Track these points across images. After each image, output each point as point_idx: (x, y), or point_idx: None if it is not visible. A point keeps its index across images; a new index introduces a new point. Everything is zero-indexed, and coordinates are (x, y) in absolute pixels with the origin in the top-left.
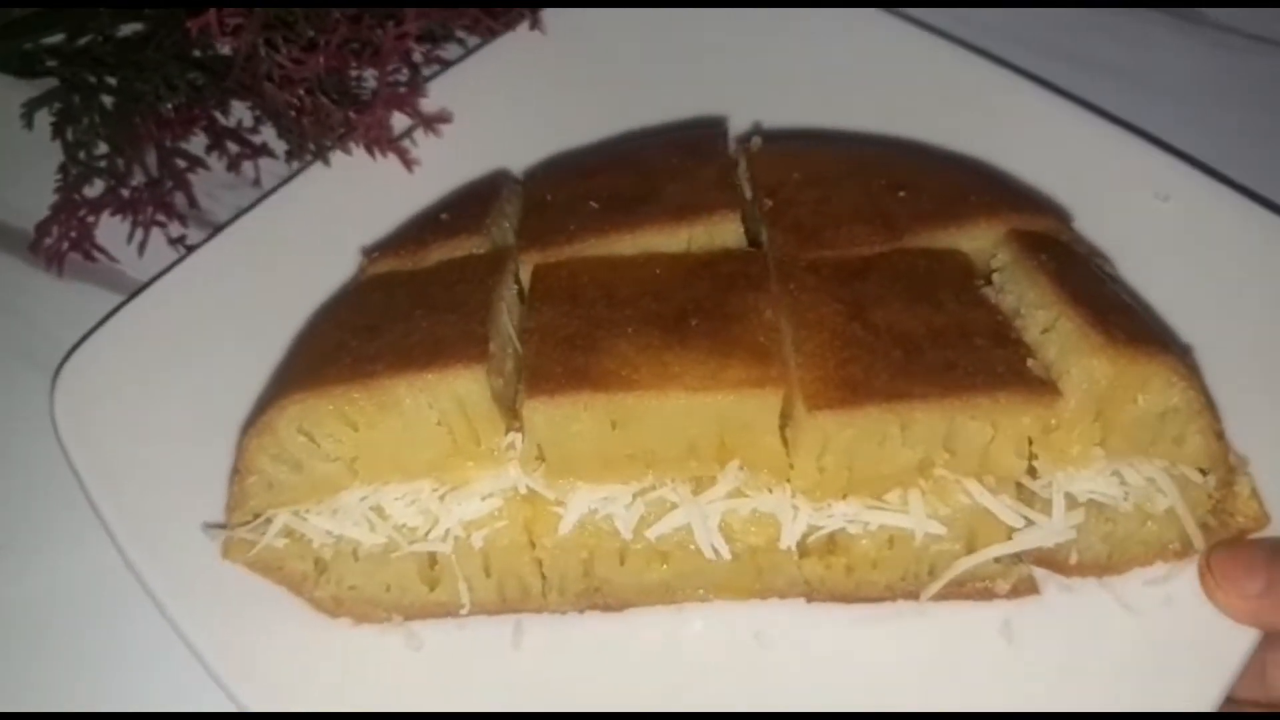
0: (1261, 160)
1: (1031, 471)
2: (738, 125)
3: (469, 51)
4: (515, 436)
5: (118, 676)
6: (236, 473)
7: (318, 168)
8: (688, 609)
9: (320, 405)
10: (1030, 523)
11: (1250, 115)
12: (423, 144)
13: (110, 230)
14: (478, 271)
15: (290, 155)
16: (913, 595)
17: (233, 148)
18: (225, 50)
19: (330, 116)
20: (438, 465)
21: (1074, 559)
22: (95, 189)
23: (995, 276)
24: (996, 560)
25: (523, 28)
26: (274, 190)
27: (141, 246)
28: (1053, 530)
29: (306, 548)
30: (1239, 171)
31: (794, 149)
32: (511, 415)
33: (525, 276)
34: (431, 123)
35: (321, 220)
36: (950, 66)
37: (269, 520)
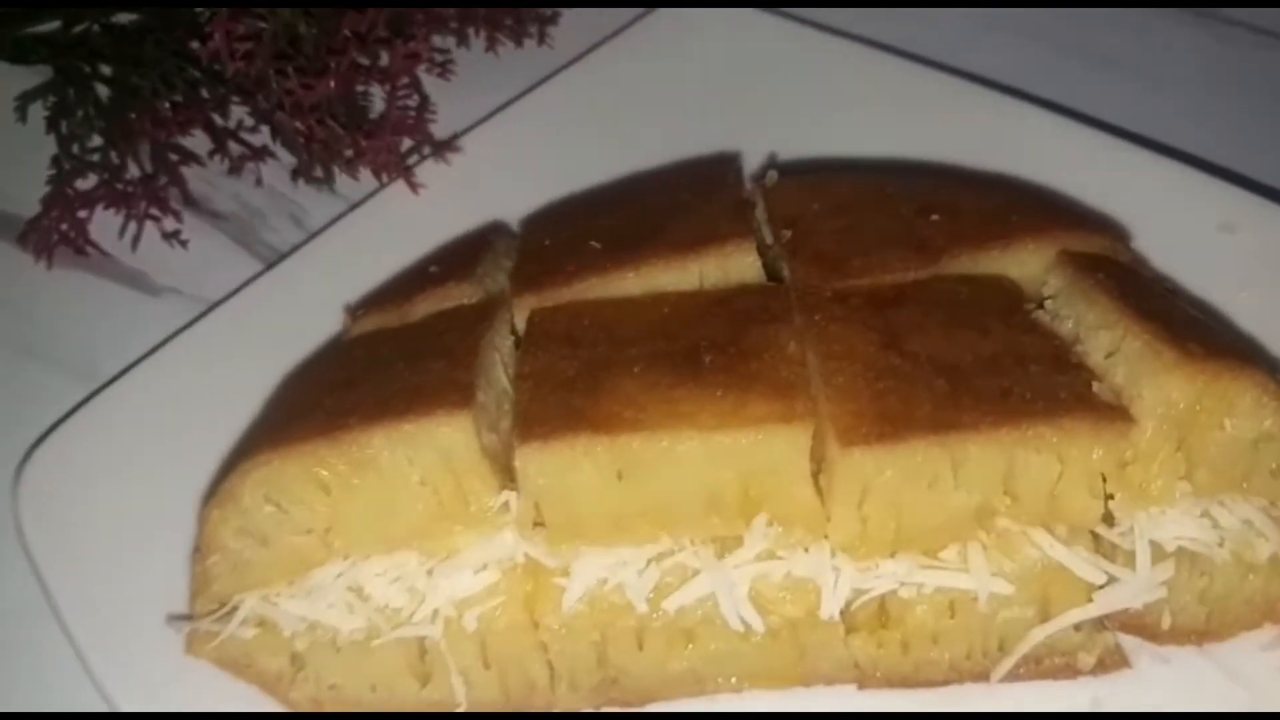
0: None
1: (1108, 518)
2: (751, 163)
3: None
4: (510, 495)
5: None
6: (198, 551)
7: (303, 251)
8: (720, 701)
9: (287, 468)
10: (1112, 578)
11: (1257, 108)
12: (418, 202)
13: (104, 221)
14: (467, 319)
15: (296, 174)
16: (982, 675)
17: (235, 149)
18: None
19: (339, 141)
20: (423, 533)
21: (1167, 623)
22: (89, 181)
23: (1048, 304)
24: (1077, 628)
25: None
26: (256, 277)
27: (135, 240)
28: (1139, 587)
29: (280, 640)
30: (1245, 164)
31: (812, 180)
32: (506, 475)
33: (522, 324)
34: (442, 150)
35: (307, 300)
36: (993, 110)
37: (236, 608)
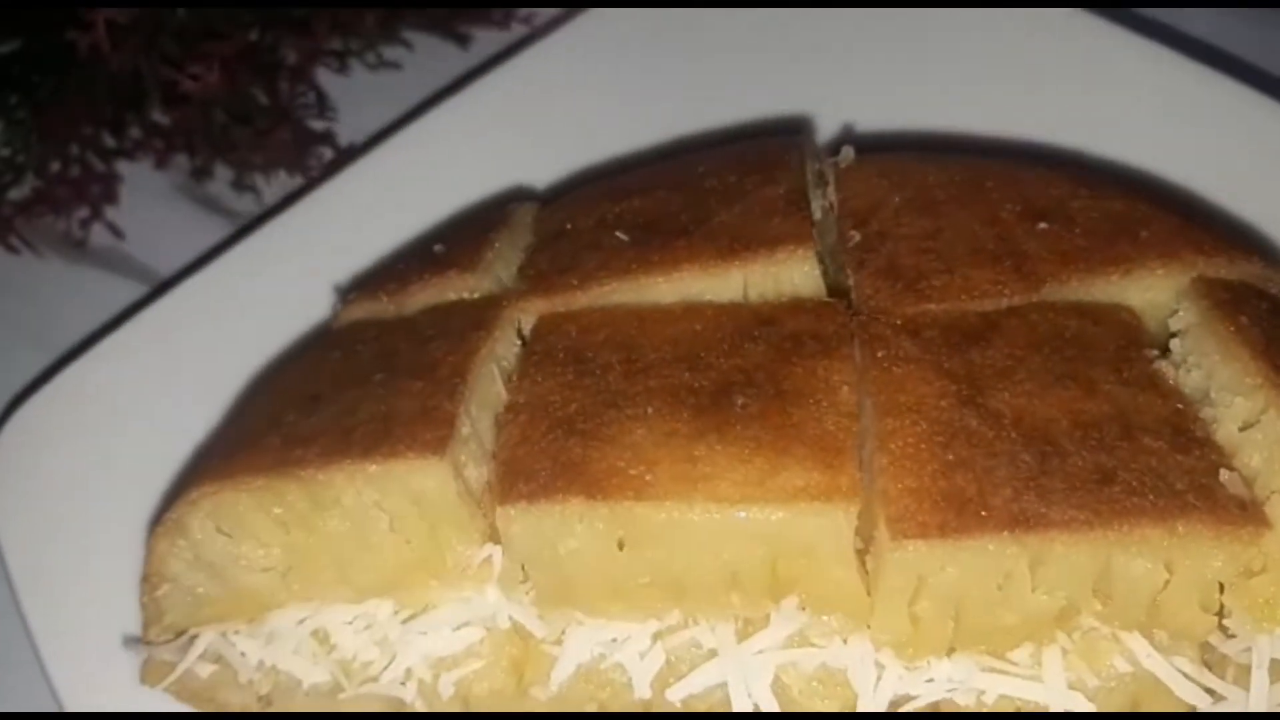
0: None
1: (1221, 629)
2: (825, 130)
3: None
4: (494, 550)
5: None
6: (146, 581)
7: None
8: None
9: (239, 499)
10: (1218, 697)
11: None
12: (433, 161)
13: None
14: (462, 323)
15: (199, 173)
16: None
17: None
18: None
19: (229, 135)
20: (394, 584)
21: None
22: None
23: (1174, 344)
24: None
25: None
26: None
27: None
28: (1252, 712)
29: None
30: None
31: (895, 164)
32: (493, 519)
33: (530, 327)
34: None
35: (288, 270)
36: (1128, 60)
37: (194, 638)
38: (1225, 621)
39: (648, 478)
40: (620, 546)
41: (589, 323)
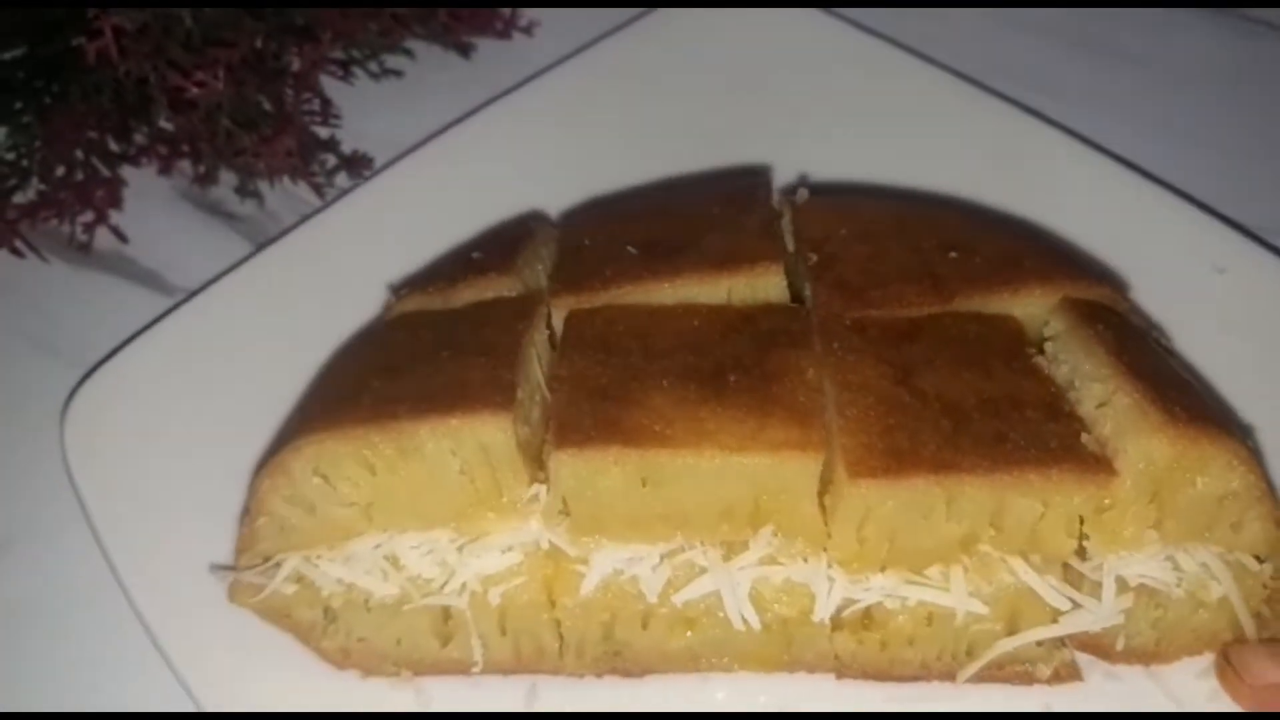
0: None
1: (1081, 552)
2: (782, 175)
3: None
4: (540, 489)
5: (111, 676)
6: (247, 513)
7: (341, 204)
8: (711, 678)
9: (338, 447)
10: (1077, 605)
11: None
12: (456, 182)
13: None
14: (507, 314)
15: (203, 179)
16: (949, 675)
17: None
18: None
19: (235, 141)
20: (457, 515)
21: (1120, 645)
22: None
23: (1048, 346)
24: (1039, 643)
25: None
26: (295, 225)
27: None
28: (1101, 614)
29: (316, 595)
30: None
31: (841, 203)
32: (536, 466)
33: (558, 322)
34: (354, 164)
35: (347, 257)
36: (1008, 129)
37: (279, 564)
38: (1085, 544)
39: (668, 432)
40: (643, 484)
41: (610, 316)
